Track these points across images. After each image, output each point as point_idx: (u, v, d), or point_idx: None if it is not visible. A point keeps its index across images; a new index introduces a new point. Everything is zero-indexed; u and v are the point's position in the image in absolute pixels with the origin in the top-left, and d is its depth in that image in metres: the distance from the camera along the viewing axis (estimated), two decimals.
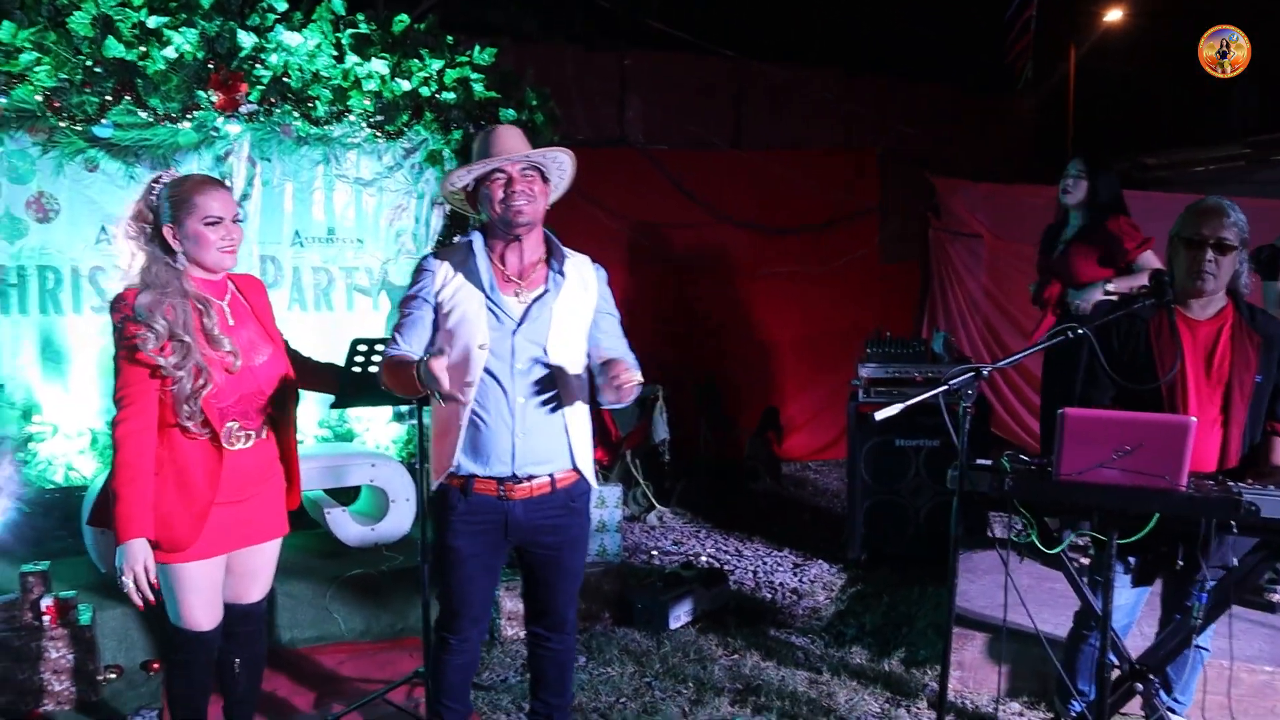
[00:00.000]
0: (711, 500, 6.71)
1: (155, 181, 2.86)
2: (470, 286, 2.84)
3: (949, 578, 2.86)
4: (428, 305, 2.87)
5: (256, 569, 3.09)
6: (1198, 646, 3.14)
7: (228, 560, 2.99)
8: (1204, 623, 2.92)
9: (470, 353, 2.81)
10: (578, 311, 2.92)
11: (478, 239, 2.89)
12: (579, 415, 2.94)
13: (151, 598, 2.74)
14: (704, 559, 5.63)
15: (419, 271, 2.93)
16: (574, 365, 2.89)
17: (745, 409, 7.66)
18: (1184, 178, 8.66)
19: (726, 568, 5.42)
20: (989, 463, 2.86)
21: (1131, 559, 3.11)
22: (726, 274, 7.79)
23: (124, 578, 2.69)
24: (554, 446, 2.89)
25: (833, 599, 5.05)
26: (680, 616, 4.61)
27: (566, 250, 2.95)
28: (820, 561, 5.58)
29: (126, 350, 2.72)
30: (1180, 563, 2.94)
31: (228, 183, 4.87)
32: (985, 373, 2.80)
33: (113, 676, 4.04)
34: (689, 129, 7.22)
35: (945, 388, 2.77)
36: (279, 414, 3.01)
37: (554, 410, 2.85)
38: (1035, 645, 3.26)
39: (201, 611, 2.94)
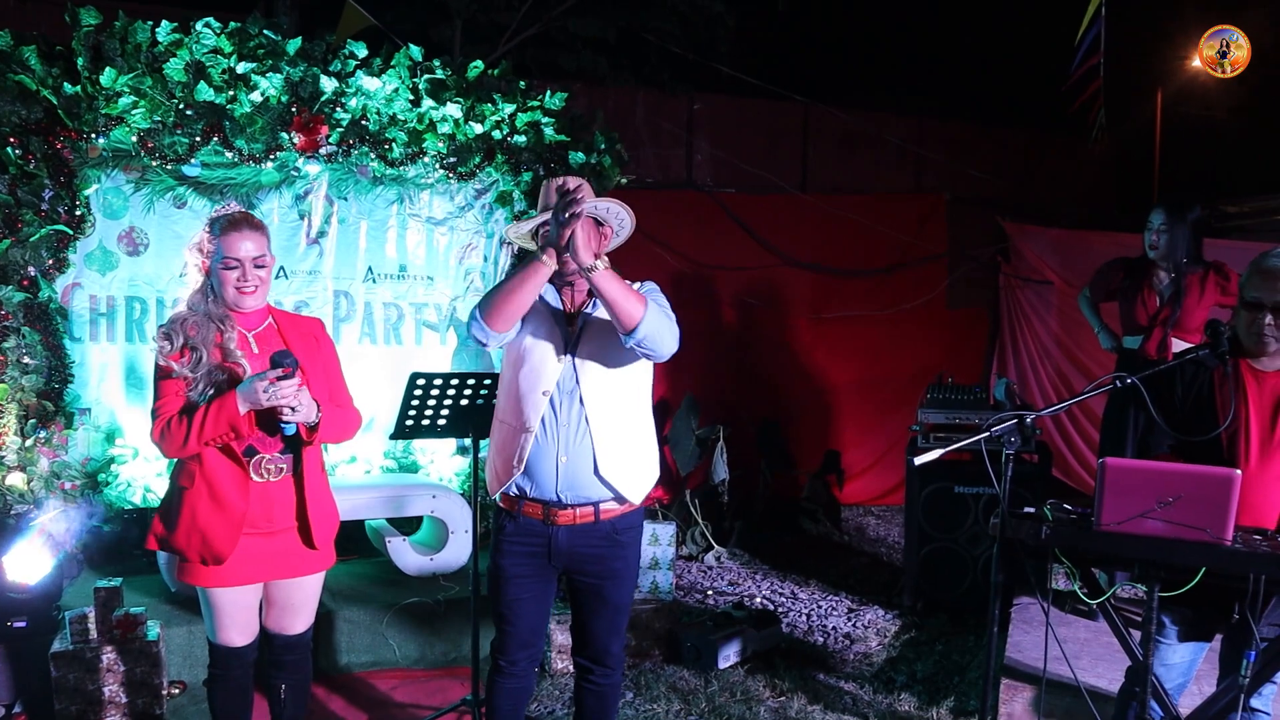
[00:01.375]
0: (769, 542, 6.70)
1: (215, 214, 3.05)
2: (538, 312, 2.97)
3: (989, 625, 2.84)
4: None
5: (296, 603, 3.15)
6: (1253, 710, 3.05)
7: (267, 591, 3.10)
8: (1252, 683, 2.86)
9: (537, 372, 2.93)
10: (614, 338, 2.97)
11: (548, 286, 3.01)
12: (617, 439, 2.96)
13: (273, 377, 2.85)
14: (759, 600, 5.63)
15: None
16: (611, 387, 2.96)
17: (806, 451, 7.65)
18: (1266, 225, 8.45)
19: (780, 610, 5.42)
20: (1031, 510, 2.84)
21: (1180, 614, 3.05)
22: (791, 316, 7.82)
23: (263, 395, 2.79)
24: (590, 471, 2.93)
25: (885, 645, 5.02)
26: (729, 656, 4.62)
27: None
28: (876, 607, 5.54)
29: (159, 368, 2.90)
30: (1235, 618, 2.88)
31: (267, 223, 5.09)
32: (1030, 420, 2.80)
33: (176, 692, 4.20)
34: (756, 172, 7.30)
35: (987, 434, 2.77)
36: (309, 451, 3.05)
37: (588, 434, 2.92)
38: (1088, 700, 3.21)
39: (234, 631, 3.06)
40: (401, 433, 3.62)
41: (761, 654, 4.80)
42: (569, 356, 2.94)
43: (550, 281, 2.99)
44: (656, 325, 2.83)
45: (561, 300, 3.03)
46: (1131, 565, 2.73)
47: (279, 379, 2.79)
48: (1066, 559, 2.79)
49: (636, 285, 3.05)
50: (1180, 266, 4.74)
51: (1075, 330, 7.82)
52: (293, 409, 2.83)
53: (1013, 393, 5.54)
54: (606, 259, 2.87)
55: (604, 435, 2.94)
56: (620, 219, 3.04)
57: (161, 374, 2.90)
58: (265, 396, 2.78)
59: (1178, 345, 4.62)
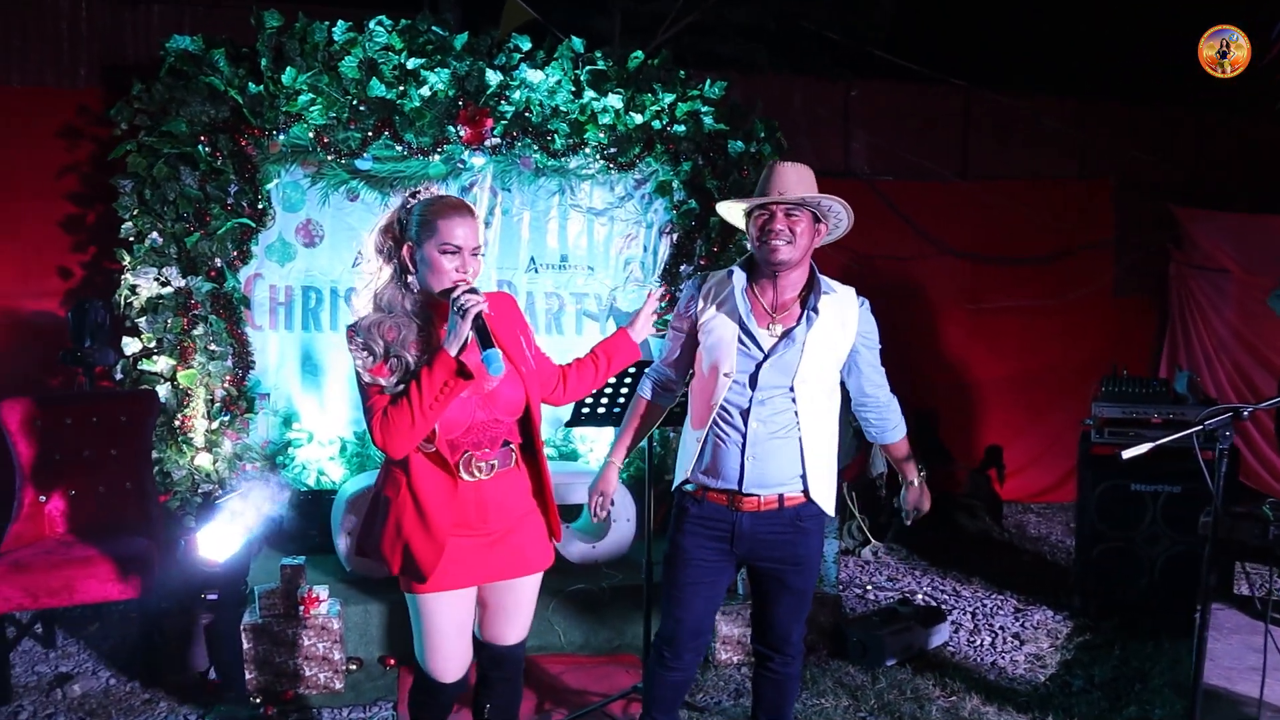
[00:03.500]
0: (926, 537, 6.55)
1: (411, 196, 2.69)
2: (724, 316, 2.97)
3: (1199, 630, 2.68)
4: (684, 328, 3.08)
5: (512, 607, 2.89)
6: None
7: (482, 596, 2.86)
8: None
9: (717, 378, 2.94)
10: (831, 347, 2.96)
11: (739, 273, 2.99)
12: (819, 446, 2.98)
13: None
14: (920, 597, 5.50)
15: (685, 295, 3.10)
16: (821, 396, 2.95)
17: (964, 444, 7.44)
18: None
19: (944, 607, 5.28)
20: (1246, 510, 2.68)
21: None
22: (950, 306, 7.61)
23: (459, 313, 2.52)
24: (786, 472, 2.95)
25: (1057, 647, 4.83)
26: (896, 653, 4.53)
27: (829, 284, 3.00)
28: (1044, 607, 5.34)
29: (362, 378, 2.62)
30: None
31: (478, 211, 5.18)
32: (1245, 414, 2.64)
33: (354, 668, 4.35)
34: (914, 159, 7.11)
35: (1200, 428, 2.63)
36: (525, 442, 2.82)
37: (793, 441, 2.93)
38: None
39: (444, 657, 2.77)
40: (577, 420, 3.66)
41: (928, 652, 4.69)
42: (759, 367, 2.92)
43: (749, 271, 3.00)
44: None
45: (764, 297, 2.98)
46: None
47: (465, 292, 2.53)
48: None
49: (847, 295, 3.05)
50: None
51: (1256, 322, 7.38)
52: (487, 314, 2.53)
53: (1196, 386, 5.26)
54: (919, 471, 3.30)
55: (797, 437, 2.94)
56: (839, 217, 3.00)
57: (367, 383, 2.61)
58: (462, 307, 2.50)
59: None
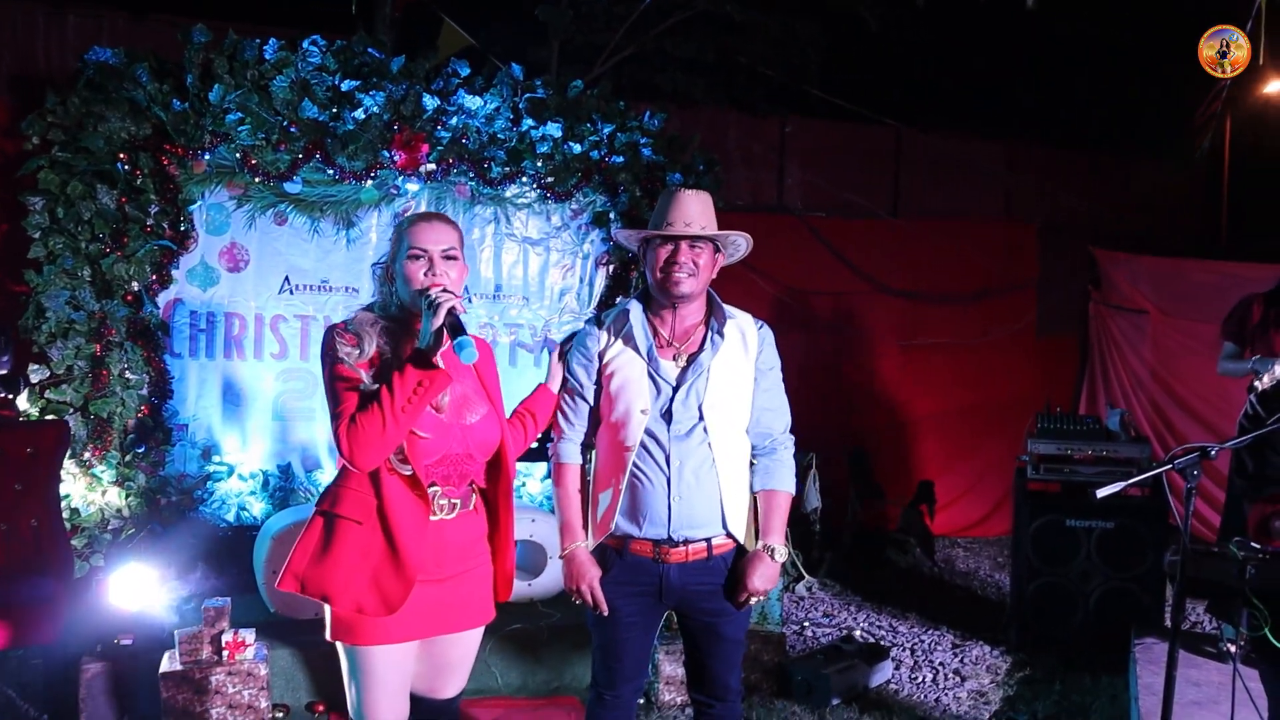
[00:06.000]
0: (861, 572, 6.53)
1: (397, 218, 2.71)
2: (630, 351, 2.88)
3: (1168, 669, 2.64)
4: (588, 376, 2.92)
5: (454, 661, 2.73)
6: None
7: (422, 649, 2.66)
8: None
9: (631, 417, 2.83)
10: (737, 372, 2.89)
11: (635, 306, 2.92)
12: (736, 479, 2.88)
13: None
14: (858, 633, 5.45)
15: (580, 338, 2.97)
16: (732, 428, 2.87)
17: (895, 479, 7.47)
18: None
19: (884, 643, 5.24)
20: (1215, 549, 2.68)
21: None
22: (880, 342, 7.67)
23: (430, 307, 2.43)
24: (710, 510, 2.84)
25: (998, 683, 4.82)
26: (841, 692, 4.45)
27: (729, 310, 2.93)
28: (980, 643, 5.34)
29: (331, 370, 2.50)
30: None
31: (365, 241, 5.00)
32: (1213, 453, 2.63)
33: (280, 716, 4.11)
34: (847, 196, 7.18)
35: (1168, 465, 2.61)
36: (490, 485, 2.68)
37: (711, 474, 2.83)
38: None
39: (385, 703, 2.57)
40: (527, 454, 3.51)
41: (871, 690, 4.63)
42: (671, 401, 2.82)
43: (646, 303, 2.92)
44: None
45: (664, 328, 2.90)
46: None
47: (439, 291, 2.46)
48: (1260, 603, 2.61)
49: (747, 320, 2.97)
50: None
51: (1172, 361, 7.60)
52: (457, 307, 2.45)
53: (1127, 424, 5.34)
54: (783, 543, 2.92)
55: (715, 471, 2.83)
56: (737, 246, 2.94)
57: (342, 382, 2.47)
58: (433, 302, 2.42)
59: None
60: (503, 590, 2.75)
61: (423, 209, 5.35)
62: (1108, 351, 8.00)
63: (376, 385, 2.43)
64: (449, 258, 2.57)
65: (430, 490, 2.52)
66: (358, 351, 2.49)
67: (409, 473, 2.50)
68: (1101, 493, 2.56)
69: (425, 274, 2.53)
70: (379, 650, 2.51)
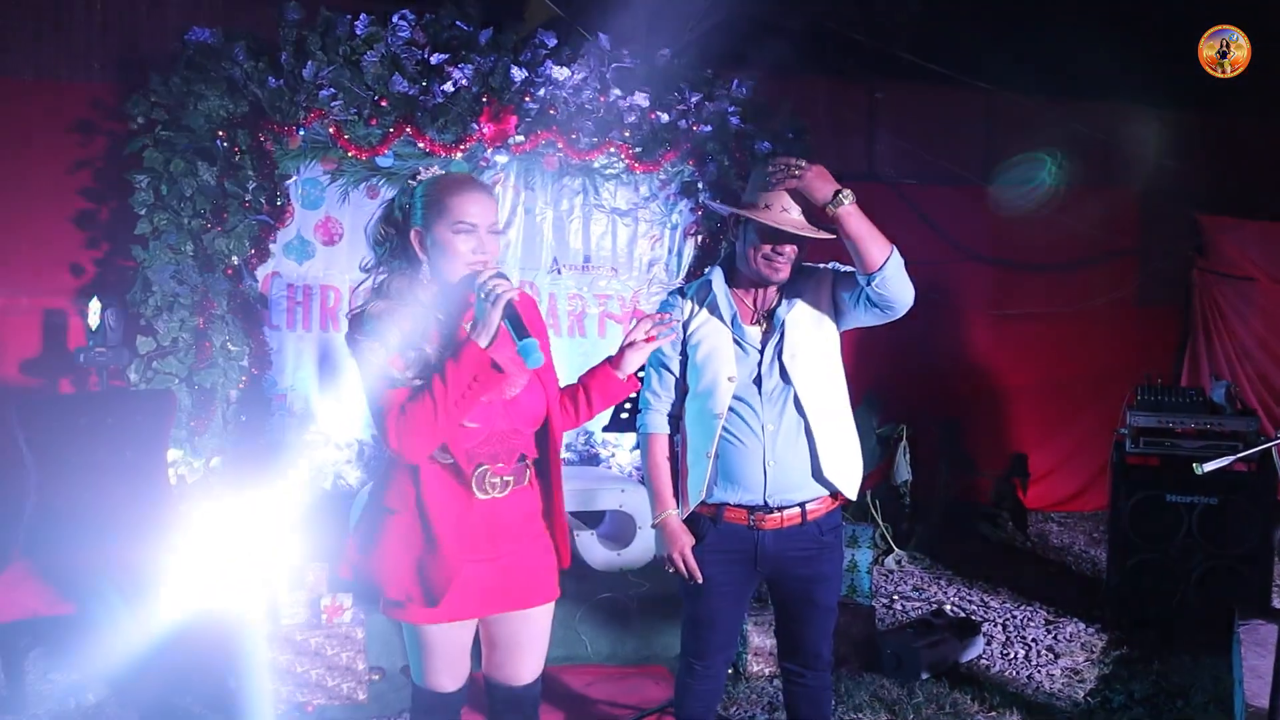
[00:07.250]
0: (951, 546, 6.43)
1: (412, 178, 2.43)
2: (715, 320, 2.90)
3: (1279, 653, 2.55)
4: (673, 347, 2.92)
5: (526, 642, 2.61)
6: None
7: (488, 632, 2.60)
8: None
9: (719, 385, 2.85)
10: (816, 321, 2.89)
11: (718, 275, 2.93)
12: (832, 434, 2.88)
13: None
14: (949, 607, 5.39)
15: (664, 309, 2.96)
16: (821, 381, 2.87)
17: (988, 452, 7.33)
18: None
19: (974, 618, 5.17)
20: None
21: None
22: (972, 312, 7.49)
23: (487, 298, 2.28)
24: (805, 473, 2.85)
25: (1093, 661, 4.72)
26: (931, 666, 4.41)
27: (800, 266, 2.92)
28: (1075, 619, 5.23)
29: (366, 363, 2.34)
30: None
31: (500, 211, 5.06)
32: None
33: (376, 678, 4.23)
34: (938, 163, 7.01)
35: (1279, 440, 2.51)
36: (541, 457, 2.56)
37: (804, 435, 2.84)
38: None
39: (445, 674, 2.55)
40: (617, 424, 3.55)
41: (962, 665, 4.58)
42: (759, 365, 2.84)
43: (729, 276, 2.92)
44: (900, 265, 2.77)
45: (747, 298, 2.92)
46: None
47: (493, 277, 2.30)
48: None
49: (813, 268, 2.96)
50: None
51: None
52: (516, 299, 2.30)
53: (1233, 396, 5.15)
54: (850, 192, 2.69)
55: (809, 431, 2.84)
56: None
57: (378, 380, 2.34)
58: (490, 293, 2.26)
59: None
60: (563, 557, 2.64)
61: (510, 182, 5.40)
62: (1212, 321, 7.71)
63: (417, 380, 2.32)
64: (494, 233, 2.39)
65: (479, 470, 2.42)
66: (382, 349, 2.32)
67: (449, 462, 2.41)
68: (1206, 467, 2.48)
69: (473, 251, 2.34)
70: (437, 629, 2.48)
